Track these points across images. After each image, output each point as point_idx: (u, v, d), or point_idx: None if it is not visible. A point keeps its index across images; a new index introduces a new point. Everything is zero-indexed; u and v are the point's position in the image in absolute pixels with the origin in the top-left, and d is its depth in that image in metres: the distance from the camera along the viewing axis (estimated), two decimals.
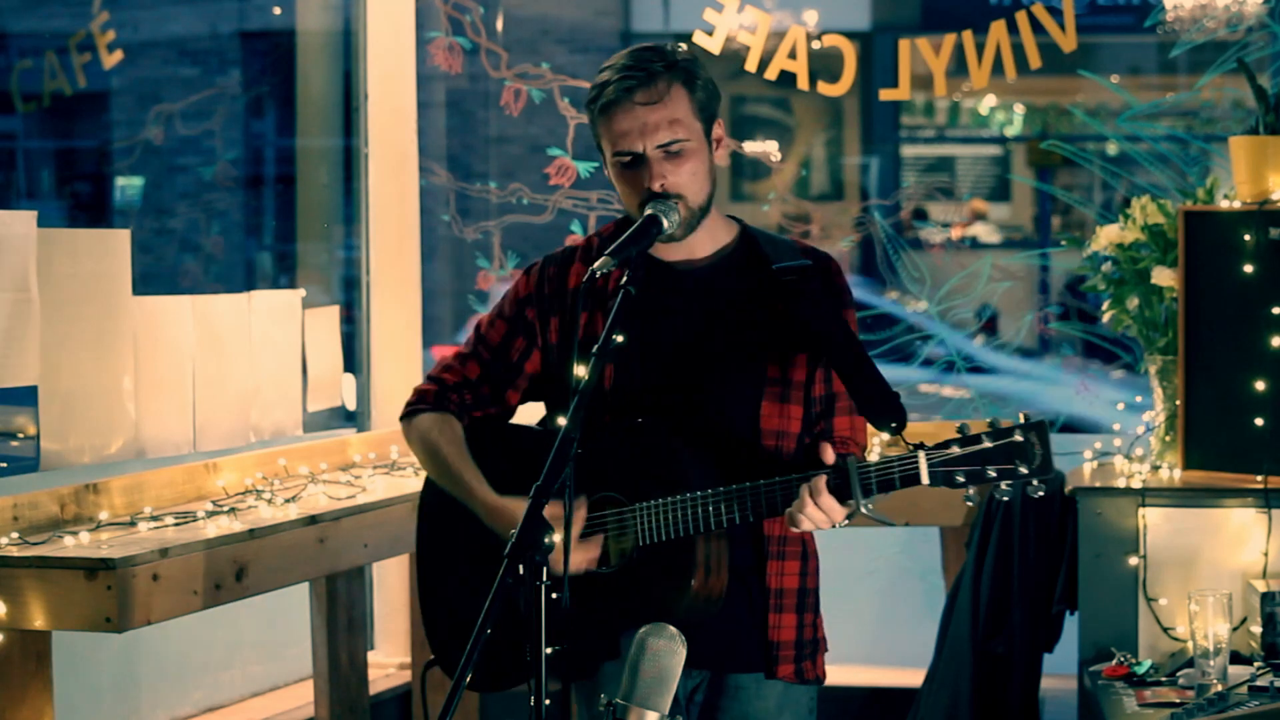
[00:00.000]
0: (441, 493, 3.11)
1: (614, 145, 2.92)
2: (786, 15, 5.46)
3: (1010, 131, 14.39)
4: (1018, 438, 2.63)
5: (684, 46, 3.00)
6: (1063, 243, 5.23)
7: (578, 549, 2.88)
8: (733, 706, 3.00)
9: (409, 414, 3.16)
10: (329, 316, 5.01)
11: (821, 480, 2.74)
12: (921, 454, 2.68)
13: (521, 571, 2.44)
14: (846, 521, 2.81)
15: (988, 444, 2.64)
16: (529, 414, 3.16)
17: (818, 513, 2.74)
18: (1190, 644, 3.93)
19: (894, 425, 2.76)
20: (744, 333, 2.97)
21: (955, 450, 2.65)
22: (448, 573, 3.14)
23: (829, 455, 2.77)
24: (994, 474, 2.63)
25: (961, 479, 2.66)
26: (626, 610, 2.90)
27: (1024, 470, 2.63)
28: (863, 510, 2.73)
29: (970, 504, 2.70)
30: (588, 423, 2.64)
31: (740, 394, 2.95)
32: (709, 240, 3.02)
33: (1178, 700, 3.79)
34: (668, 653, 2.46)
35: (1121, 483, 4.37)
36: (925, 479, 2.68)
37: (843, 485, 2.73)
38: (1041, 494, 2.63)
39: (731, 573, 2.92)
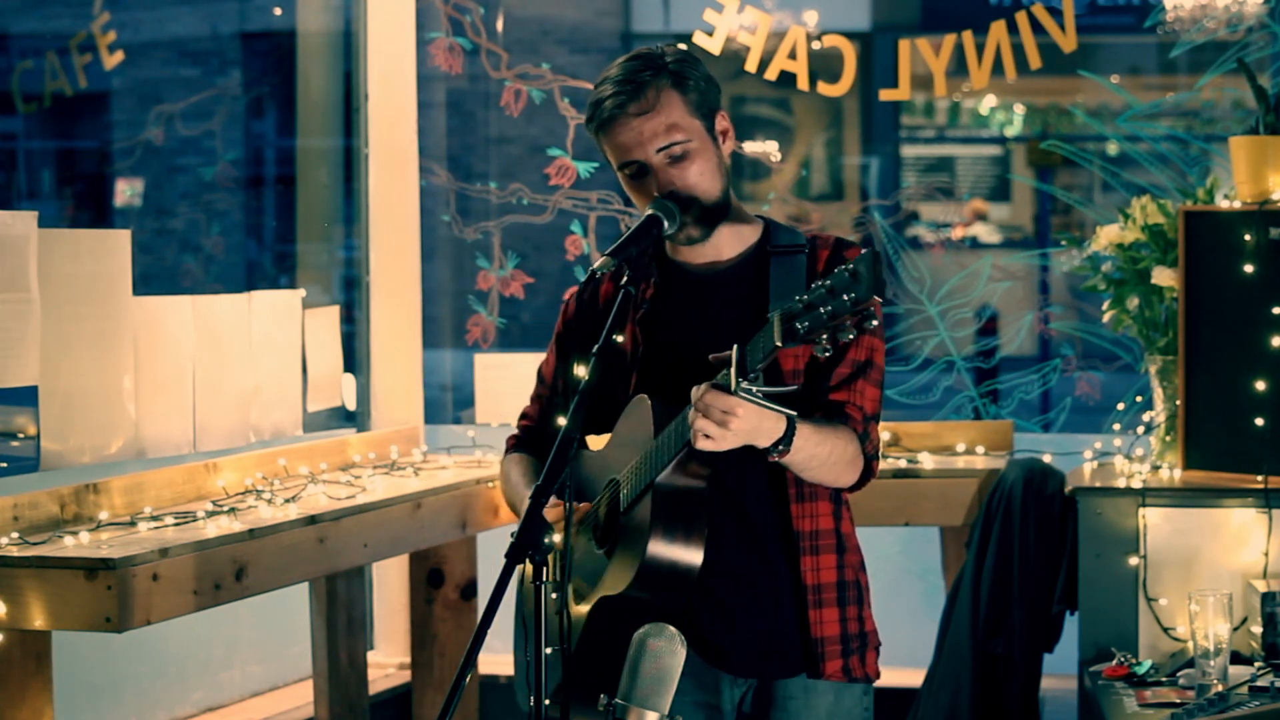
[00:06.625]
0: None
1: (618, 158, 2.92)
2: (786, 15, 5.46)
3: (1010, 131, 14.39)
4: (848, 270, 2.50)
5: (677, 46, 2.97)
6: (1063, 243, 5.23)
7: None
8: (782, 718, 2.95)
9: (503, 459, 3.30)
10: (329, 316, 5.01)
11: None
12: (775, 314, 2.57)
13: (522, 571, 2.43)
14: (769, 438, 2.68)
15: (824, 284, 2.51)
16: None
17: (709, 409, 2.63)
18: (1190, 644, 3.92)
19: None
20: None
21: (798, 300, 2.54)
22: None
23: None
24: (825, 312, 2.50)
25: (801, 327, 2.52)
26: (606, 584, 2.86)
27: (850, 297, 2.48)
28: (742, 394, 2.61)
29: (821, 355, 2.56)
30: (601, 427, 2.61)
31: None
32: (735, 241, 2.99)
33: (1178, 700, 3.78)
34: (668, 652, 2.46)
35: (1121, 483, 4.37)
36: (778, 340, 2.55)
37: (722, 374, 2.64)
38: (875, 324, 2.49)
39: (763, 572, 2.91)
